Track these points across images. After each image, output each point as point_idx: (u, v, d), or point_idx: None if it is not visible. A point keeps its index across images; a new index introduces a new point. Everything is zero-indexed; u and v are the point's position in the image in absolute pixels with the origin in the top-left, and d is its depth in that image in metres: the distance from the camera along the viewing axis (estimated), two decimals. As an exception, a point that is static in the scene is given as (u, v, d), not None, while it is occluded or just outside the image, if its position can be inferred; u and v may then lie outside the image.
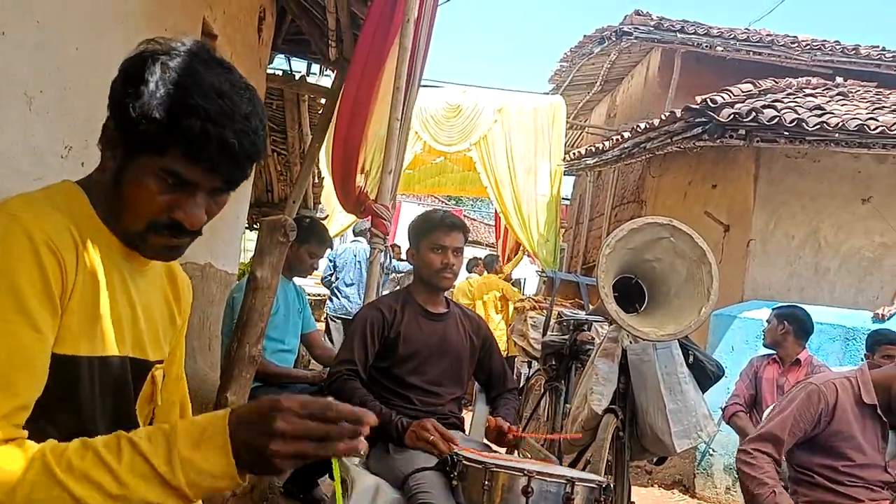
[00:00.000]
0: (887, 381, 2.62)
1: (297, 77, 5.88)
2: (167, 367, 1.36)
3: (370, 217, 3.67)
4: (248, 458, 0.95)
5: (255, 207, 7.53)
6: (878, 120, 6.22)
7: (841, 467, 2.57)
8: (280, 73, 5.76)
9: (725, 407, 4.57)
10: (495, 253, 11.43)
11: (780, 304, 5.08)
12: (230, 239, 5.63)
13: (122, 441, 0.98)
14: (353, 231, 9.45)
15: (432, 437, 2.49)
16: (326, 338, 6.77)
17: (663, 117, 6.80)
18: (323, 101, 5.71)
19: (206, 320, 5.00)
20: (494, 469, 2.20)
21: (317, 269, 3.82)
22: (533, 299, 5.43)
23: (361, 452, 0.98)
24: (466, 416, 3.11)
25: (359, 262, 7.69)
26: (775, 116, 6.03)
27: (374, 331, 2.76)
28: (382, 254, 3.50)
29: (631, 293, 3.35)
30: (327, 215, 8.75)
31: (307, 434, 0.94)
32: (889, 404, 2.61)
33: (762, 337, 4.78)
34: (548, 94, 11.56)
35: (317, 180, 7.40)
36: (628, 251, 3.19)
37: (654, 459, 3.52)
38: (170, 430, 0.98)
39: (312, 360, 4.28)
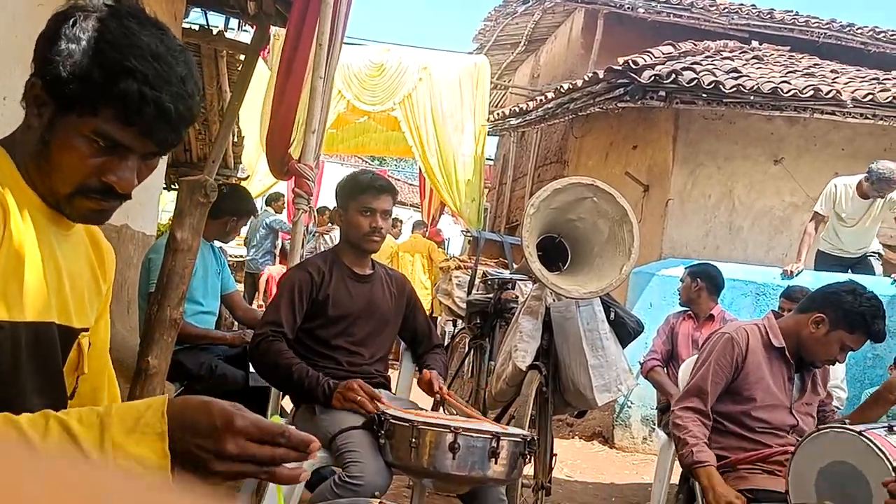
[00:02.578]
0: (792, 328, 2.74)
1: (214, 32, 5.68)
2: (93, 335, 1.33)
3: (293, 178, 3.61)
4: (182, 462, 0.93)
5: (172, 167, 7.31)
6: (790, 83, 6.44)
7: (751, 411, 2.69)
8: (197, 27, 5.54)
9: (643, 362, 4.73)
10: (421, 218, 11.46)
11: (694, 263, 5.26)
12: (147, 199, 5.45)
13: (51, 421, 0.94)
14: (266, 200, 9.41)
15: (359, 398, 2.50)
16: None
17: (586, 78, 6.88)
18: (242, 57, 5.54)
19: (125, 283, 4.86)
20: (421, 426, 2.23)
21: (239, 234, 3.75)
22: (458, 259, 5.46)
23: (301, 479, 0.99)
24: (393, 375, 3.14)
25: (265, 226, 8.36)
26: (694, 79, 6.17)
27: (301, 292, 2.74)
28: (305, 215, 3.45)
29: (554, 252, 3.41)
30: (248, 175, 8.57)
31: (253, 459, 0.93)
32: (795, 350, 2.74)
33: (678, 294, 4.94)
34: (472, 53, 11.52)
35: (236, 139, 7.21)
36: (552, 211, 3.23)
37: (576, 413, 3.62)
38: (104, 413, 0.95)
39: (235, 323, 4.20)
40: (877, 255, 5.92)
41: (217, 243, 3.75)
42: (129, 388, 2.18)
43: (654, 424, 5.46)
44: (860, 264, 5.90)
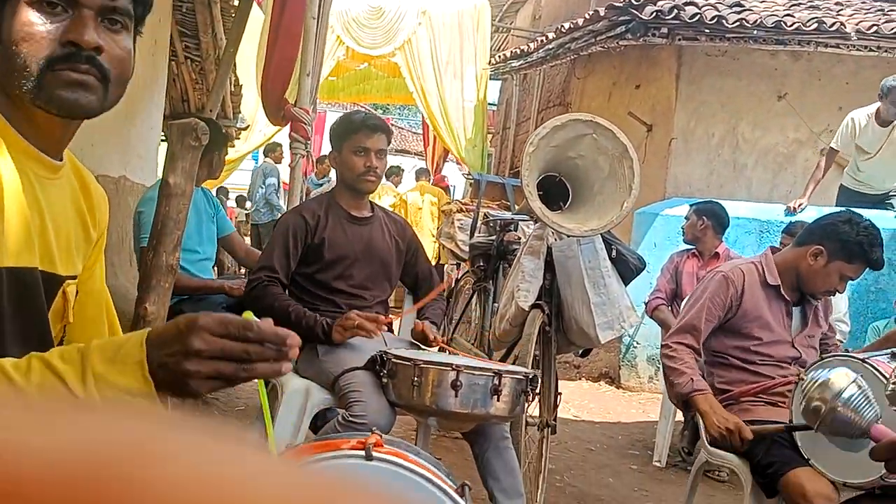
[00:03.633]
0: (791, 262, 2.73)
1: (206, -23, 5.56)
2: (84, 283, 1.30)
3: (290, 123, 3.56)
4: (164, 378, 0.92)
5: (170, 118, 7.23)
6: (794, 16, 6.30)
7: (751, 347, 2.69)
8: (188, -27, 5.43)
9: (648, 301, 4.72)
10: (424, 167, 11.42)
11: (699, 201, 5.21)
12: (145, 151, 5.41)
13: (33, 361, 0.93)
14: (264, 151, 9.39)
15: (357, 322, 2.50)
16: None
17: (587, 17, 6.74)
18: (236, 2, 5.44)
19: (126, 235, 4.85)
20: (423, 365, 2.23)
21: (222, 168, 3.72)
22: (460, 202, 5.42)
23: (283, 372, 0.97)
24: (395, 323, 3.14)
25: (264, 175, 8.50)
26: (696, 14, 6.04)
27: (296, 237, 2.72)
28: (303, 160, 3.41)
29: (555, 191, 3.37)
30: (248, 125, 8.49)
31: (225, 354, 0.91)
32: (795, 284, 2.73)
33: (682, 233, 4.91)
34: (472, -5, 11.28)
35: (233, 88, 7.11)
36: (552, 149, 3.19)
37: (580, 352, 3.62)
38: (84, 348, 0.94)
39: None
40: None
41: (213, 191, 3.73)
42: (129, 334, 2.18)
43: (659, 363, 5.49)
44: (884, 203, 5.80)
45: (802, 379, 2.10)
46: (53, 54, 1.03)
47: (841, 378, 1.98)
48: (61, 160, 1.17)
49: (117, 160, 4.54)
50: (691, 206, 4.96)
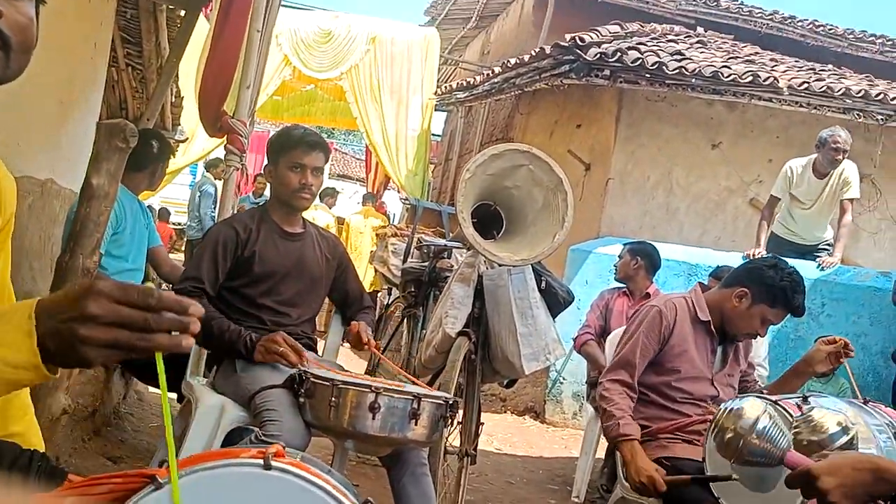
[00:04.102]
0: (717, 303, 2.79)
1: (153, -15, 5.47)
2: None
3: (227, 135, 3.50)
4: (54, 347, 0.86)
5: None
6: (731, 68, 6.53)
7: (672, 382, 2.73)
8: (134, -21, 5.33)
9: (577, 336, 4.76)
10: (369, 193, 11.40)
11: (632, 241, 5.30)
12: (76, 155, 5.24)
13: None
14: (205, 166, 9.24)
15: (282, 349, 2.45)
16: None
17: (533, 53, 6.86)
18: (182, 13, 5.36)
19: (49, 240, 4.67)
20: (342, 385, 2.18)
21: (162, 178, 3.64)
22: (395, 226, 5.41)
23: (184, 346, 0.90)
24: (320, 345, 3.09)
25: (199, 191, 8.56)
26: (638, 58, 6.20)
27: (225, 248, 2.66)
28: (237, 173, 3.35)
29: (489, 220, 3.38)
30: (187, 138, 8.34)
31: (123, 321, 0.86)
32: (719, 324, 2.79)
33: (614, 271, 4.98)
34: (423, 26, 11.41)
35: (174, 99, 6.99)
36: (488, 177, 3.20)
37: (505, 382, 3.62)
38: None
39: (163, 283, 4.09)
40: (830, 249, 5.97)
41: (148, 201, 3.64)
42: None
43: (584, 399, 5.52)
44: (812, 253, 5.97)
45: (713, 412, 2.13)
46: None
47: (753, 408, 2.01)
48: None
49: (45, 162, 4.38)
50: (625, 245, 5.04)
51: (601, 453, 4.29)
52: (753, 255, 5.80)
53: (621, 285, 4.89)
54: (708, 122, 7.10)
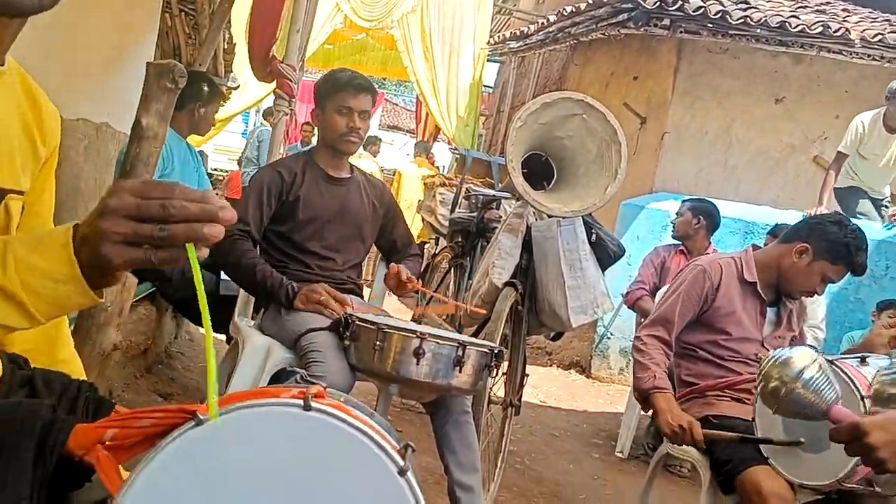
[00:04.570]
0: (773, 259, 2.70)
1: (205, -72, 5.43)
2: (31, 204, 1.24)
3: (276, 80, 3.48)
4: (85, 254, 0.85)
5: (161, 71, 7.06)
6: (799, 18, 6.25)
7: (721, 341, 2.66)
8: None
9: (629, 291, 4.65)
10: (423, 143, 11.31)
11: (691, 197, 5.14)
12: (130, 99, 5.27)
13: None
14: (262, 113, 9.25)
15: (323, 298, 2.45)
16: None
17: (590, 1, 6.66)
18: (234, -45, 5.31)
19: (104, 183, 4.75)
20: (387, 330, 2.18)
21: (212, 124, 3.62)
22: (443, 176, 5.35)
23: (206, 234, 0.82)
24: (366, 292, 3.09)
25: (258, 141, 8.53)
26: (700, 7, 5.98)
27: (270, 192, 2.66)
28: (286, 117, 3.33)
29: (540, 171, 3.32)
30: (239, 85, 8.35)
31: (142, 211, 0.82)
32: (774, 282, 2.70)
33: (671, 228, 4.83)
34: (477, -27, 11.15)
35: (226, 45, 6.98)
36: (540, 126, 3.13)
37: (551, 335, 3.58)
38: (8, 238, 0.88)
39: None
40: (886, 205, 5.77)
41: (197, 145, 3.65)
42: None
43: (631, 356, 5.47)
44: (877, 206, 5.76)
45: (762, 358, 2.05)
46: None
47: (802, 357, 1.94)
48: (2, 64, 1.10)
49: (99, 106, 4.43)
50: (685, 202, 4.88)
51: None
52: (816, 214, 5.61)
53: (677, 242, 4.76)
54: (772, 75, 6.83)
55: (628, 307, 4.78)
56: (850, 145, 5.52)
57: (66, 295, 0.87)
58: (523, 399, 3.57)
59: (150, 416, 0.99)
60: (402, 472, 0.94)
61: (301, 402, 0.99)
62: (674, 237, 4.78)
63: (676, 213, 4.79)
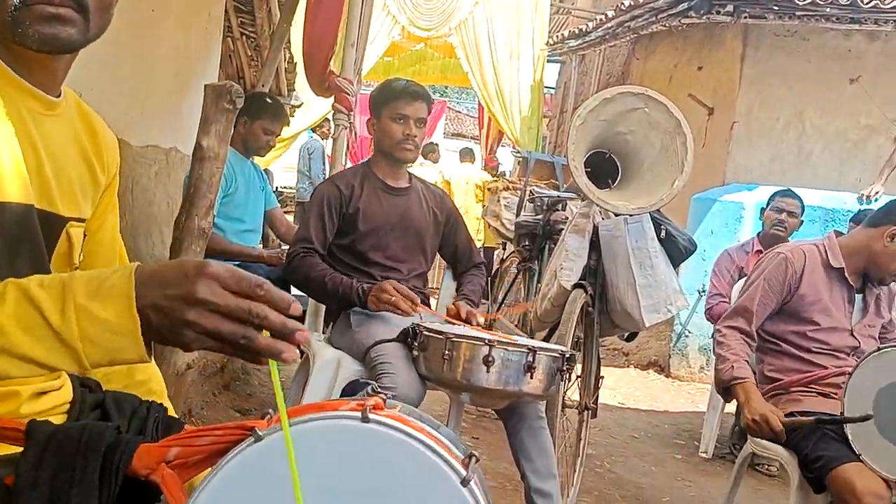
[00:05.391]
0: (862, 244, 2.58)
1: (262, -49, 5.55)
2: (95, 231, 1.26)
3: (334, 94, 3.50)
4: (155, 322, 0.84)
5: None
6: (870, -7, 5.99)
7: (808, 332, 2.55)
8: (244, -53, 5.43)
9: (710, 307, 4.27)
10: (468, 146, 11.30)
11: (782, 189, 4.67)
12: (196, 123, 5.43)
13: (9, 286, 0.86)
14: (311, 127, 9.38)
15: (393, 297, 2.44)
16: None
17: (648, -6, 6.53)
18: (291, -24, 5.41)
19: (176, 207, 4.89)
20: (455, 339, 2.16)
21: (273, 146, 3.65)
22: (507, 180, 5.31)
23: (285, 358, 0.86)
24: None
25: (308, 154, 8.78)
26: (764, -11, 5.79)
27: (331, 207, 2.68)
28: (346, 131, 3.35)
29: (604, 169, 3.25)
30: (302, 103, 8.49)
31: (231, 311, 0.83)
32: (861, 268, 2.58)
33: (761, 224, 4.37)
34: (532, -25, 11.09)
35: (287, 64, 7.11)
36: (601, 123, 3.07)
37: (625, 336, 3.50)
38: (68, 278, 0.87)
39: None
40: None
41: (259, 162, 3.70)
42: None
43: (711, 353, 5.30)
44: None
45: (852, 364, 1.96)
46: None
47: None
48: (59, 96, 1.12)
49: (168, 131, 4.56)
50: (787, 196, 4.31)
51: (731, 408, 4.12)
52: (871, 194, 5.33)
53: (745, 242, 4.48)
54: (845, 54, 6.56)
55: (713, 323, 4.20)
56: None
57: (121, 347, 0.86)
58: (601, 401, 3.50)
59: (212, 433, 0.99)
60: (464, 482, 0.91)
61: (359, 413, 0.97)
62: (763, 235, 4.26)
63: (777, 211, 4.22)
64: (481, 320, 2.54)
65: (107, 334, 0.84)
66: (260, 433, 0.95)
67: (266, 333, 0.86)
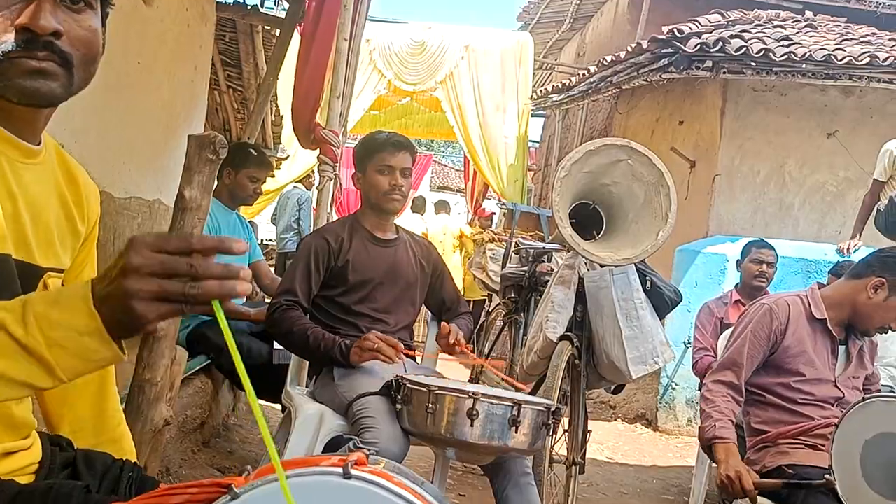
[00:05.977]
0: (846, 296, 2.58)
1: (249, 7, 5.63)
2: (71, 279, 1.24)
3: (320, 146, 3.52)
4: (109, 311, 0.84)
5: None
6: (845, 51, 6.14)
7: (793, 383, 2.54)
8: (231, 2, 5.50)
9: (695, 363, 4.30)
10: (444, 198, 11.37)
11: (754, 239, 4.75)
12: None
13: None
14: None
15: (376, 345, 2.40)
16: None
17: (630, 49, 6.66)
18: (277, 32, 5.49)
19: (159, 258, 4.84)
20: (439, 392, 2.12)
21: (261, 193, 3.65)
22: (492, 231, 5.32)
23: (239, 291, 0.86)
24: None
25: (298, 205, 8.74)
26: (742, 46, 5.91)
27: (318, 260, 2.66)
28: (331, 184, 3.35)
29: (589, 220, 3.27)
30: (288, 156, 8.54)
31: (166, 268, 0.83)
32: (844, 320, 2.58)
33: (740, 275, 4.45)
34: (516, 31, 11.31)
35: (274, 117, 7.17)
36: (585, 175, 3.09)
37: (612, 388, 3.47)
38: (26, 297, 0.88)
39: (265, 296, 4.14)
40: None
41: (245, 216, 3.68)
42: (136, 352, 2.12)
43: (698, 406, 5.25)
44: None
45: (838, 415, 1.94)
46: (9, 42, 0.97)
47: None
48: (39, 144, 1.10)
49: (152, 183, 4.55)
50: (765, 248, 4.38)
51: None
52: (849, 248, 5.37)
53: (723, 294, 4.51)
54: (822, 109, 6.69)
55: (700, 378, 4.19)
56: (883, 173, 5.29)
57: (91, 348, 0.85)
58: (588, 456, 3.45)
59: (185, 491, 0.96)
60: (448, 543, 0.88)
61: (340, 469, 0.94)
62: (742, 287, 4.34)
63: (756, 262, 4.27)
64: (468, 351, 2.52)
65: (73, 335, 0.84)
66: (236, 491, 0.92)
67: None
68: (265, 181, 3.63)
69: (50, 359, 0.84)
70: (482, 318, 4.81)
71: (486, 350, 4.49)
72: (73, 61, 1.01)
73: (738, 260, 4.51)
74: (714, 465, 3.83)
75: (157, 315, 0.84)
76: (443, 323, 2.63)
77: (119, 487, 1.20)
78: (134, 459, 1.34)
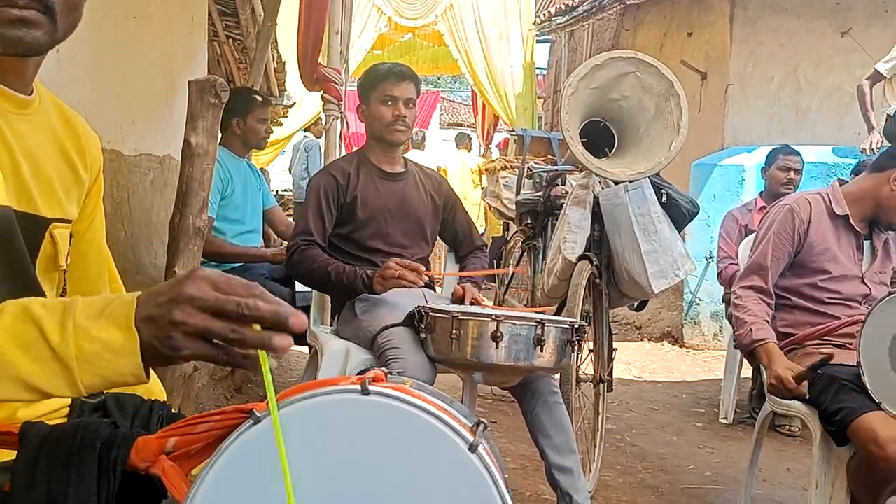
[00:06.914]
0: (868, 190, 2.53)
1: (240, -49, 5.50)
2: (82, 232, 1.23)
3: (323, 86, 3.47)
4: (147, 334, 0.81)
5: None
6: (856, -57, 5.91)
7: (819, 282, 2.51)
8: (222, -52, 5.38)
9: (720, 272, 4.28)
10: (465, 132, 11.21)
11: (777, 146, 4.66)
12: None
13: (9, 304, 0.84)
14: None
15: (398, 272, 2.40)
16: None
17: (632, -38, 6.46)
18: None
19: (169, 212, 4.86)
20: (461, 317, 2.12)
21: (272, 132, 3.62)
22: (504, 159, 5.27)
23: (278, 353, 0.83)
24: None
25: (305, 152, 8.65)
26: (749, -52, 5.72)
27: (328, 197, 2.64)
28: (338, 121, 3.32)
29: (600, 138, 3.21)
30: (294, 103, 8.46)
31: (218, 308, 0.80)
32: (867, 214, 2.54)
33: (766, 183, 4.37)
34: (515, -45, 11.01)
35: (276, 64, 7.07)
36: (593, 91, 3.02)
37: (635, 305, 3.45)
38: (70, 300, 0.85)
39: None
40: None
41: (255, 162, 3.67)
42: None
43: (723, 318, 5.25)
44: None
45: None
46: None
47: None
48: (31, 94, 1.09)
49: (160, 139, 4.53)
50: (790, 153, 4.29)
51: (748, 373, 4.08)
52: (873, 147, 5.24)
53: (747, 201, 4.45)
54: (834, 7, 6.49)
55: (725, 287, 4.28)
56: (888, 67, 5.14)
57: (117, 369, 0.83)
58: (616, 376, 3.47)
59: (209, 419, 0.96)
60: (472, 448, 0.88)
61: (359, 387, 0.95)
62: (766, 193, 4.26)
63: (783, 169, 4.20)
64: (488, 303, 2.51)
65: (105, 354, 0.82)
66: (258, 415, 0.92)
67: (257, 328, 0.83)
68: (269, 117, 3.60)
69: (76, 371, 0.82)
70: (501, 249, 4.80)
71: (508, 279, 4.48)
72: (54, 8, 0.99)
73: (762, 167, 4.43)
74: (743, 375, 3.86)
75: (191, 352, 0.82)
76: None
77: (150, 426, 1.22)
78: (164, 400, 1.35)
